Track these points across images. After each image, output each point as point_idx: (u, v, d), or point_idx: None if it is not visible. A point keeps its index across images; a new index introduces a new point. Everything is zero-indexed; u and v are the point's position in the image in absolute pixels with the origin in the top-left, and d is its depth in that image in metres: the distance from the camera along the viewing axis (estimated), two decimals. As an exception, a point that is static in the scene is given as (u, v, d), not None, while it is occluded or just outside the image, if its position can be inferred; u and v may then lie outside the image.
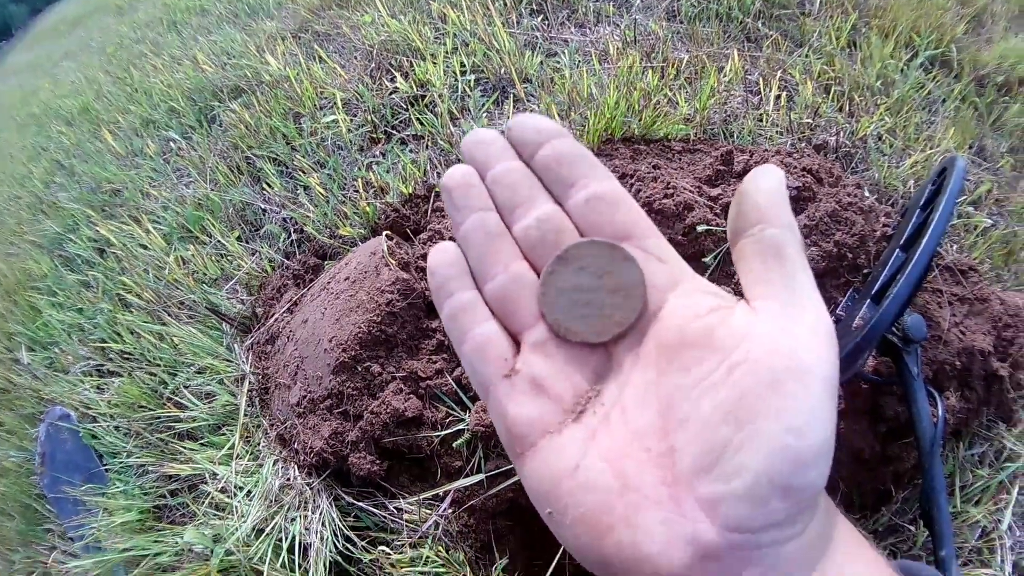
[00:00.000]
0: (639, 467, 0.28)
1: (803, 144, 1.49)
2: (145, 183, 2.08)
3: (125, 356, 1.62)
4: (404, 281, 1.06)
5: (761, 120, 1.52)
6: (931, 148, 1.56)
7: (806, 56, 1.78)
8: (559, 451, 0.30)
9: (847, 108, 1.65)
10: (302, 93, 1.82)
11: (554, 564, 1.01)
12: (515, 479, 1.02)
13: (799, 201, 1.14)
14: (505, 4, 1.90)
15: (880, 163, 1.46)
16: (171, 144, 2.18)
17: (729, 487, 0.25)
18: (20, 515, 1.72)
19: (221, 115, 2.14)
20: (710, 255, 1.10)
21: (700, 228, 1.07)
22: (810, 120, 1.51)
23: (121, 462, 1.49)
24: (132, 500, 1.39)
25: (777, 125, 1.52)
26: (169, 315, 1.50)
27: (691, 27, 1.84)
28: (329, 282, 1.17)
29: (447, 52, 1.73)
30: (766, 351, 0.26)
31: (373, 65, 1.82)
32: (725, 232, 1.10)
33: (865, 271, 1.11)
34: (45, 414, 1.75)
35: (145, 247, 1.72)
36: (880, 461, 1.09)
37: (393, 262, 1.09)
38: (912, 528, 1.11)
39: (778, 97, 1.56)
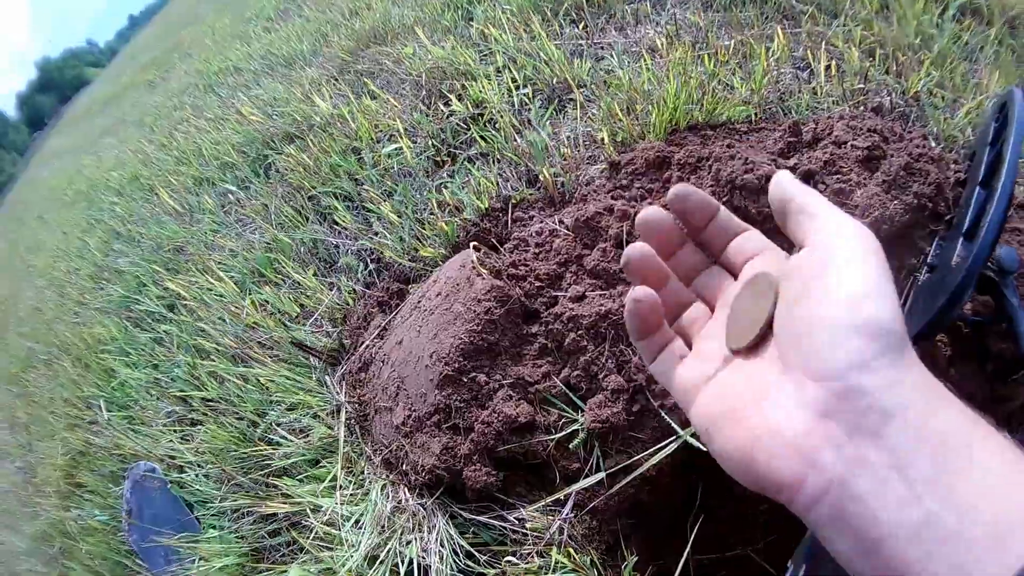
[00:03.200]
0: (760, 369, 0.37)
1: (861, 109, 1.47)
2: (208, 235, 2.12)
3: (208, 403, 1.63)
4: (499, 288, 1.05)
5: (815, 92, 1.49)
6: (981, 94, 1.52)
7: (844, 26, 1.76)
8: (711, 385, 0.40)
9: (893, 69, 1.62)
10: (358, 128, 1.85)
11: (683, 561, 0.97)
12: (636, 474, 0.99)
13: (871, 160, 1.12)
14: (544, 18, 1.92)
15: (936, 116, 1.42)
16: (229, 196, 2.23)
17: (812, 343, 0.32)
18: (110, 572, 1.73)
19: (276, 162, 2.18)
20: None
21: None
22: (861, 85, 1.49)
23: (214, 508, 1.49)
24: (229, 545, 1.38)
25: (831, 95, 1.50)
26: (252, 357, 1.50)
27: (729, 14, 1.83)
28: (420, 301, 1.16)
29: (497, 69, 1.75)
30: (819, 260, 0.35)
31: (424, 92, 1.84)
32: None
33: (947, 217, 1.08)
34: (129, 470, 1.76)
35: (221, 295, 1.74)
36: (992, 402, 1.04)
37: (485, 271, 1.08)
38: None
39: (828, 68, 1.54)
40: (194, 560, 1.46)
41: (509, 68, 1.72)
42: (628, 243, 1.06)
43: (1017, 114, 0.93)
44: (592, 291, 1.05)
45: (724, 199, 1.07)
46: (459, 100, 1.72)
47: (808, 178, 1.10)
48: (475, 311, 1.03)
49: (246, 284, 1.75)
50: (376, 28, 2.50)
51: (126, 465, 1.82)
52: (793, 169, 1.11)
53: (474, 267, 1.08)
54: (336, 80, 2.38)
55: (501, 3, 2.11)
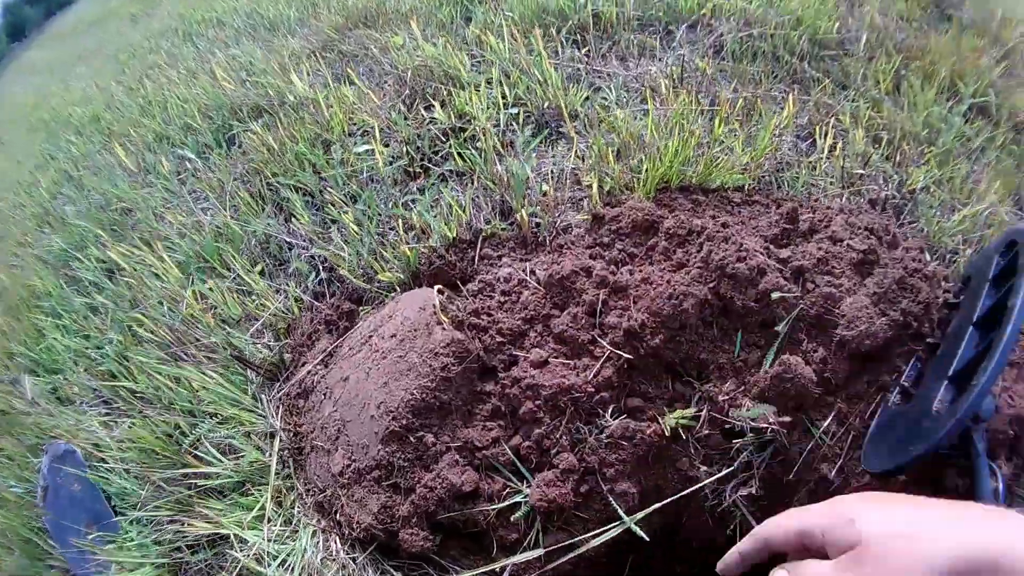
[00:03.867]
0: None
1: (855, 196, 1.43)
2: (159, 204, 1.99)
3: (137, 395, 1.52)
4: (459, 343, 0.98)
5: (814, 168, 1.45)
6: (979, 202, 1.51)
7: (853, 101, 1.72)
8: None
9: (896, 158, 1.59)
10: (331, 118, 1.74)
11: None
12: (575, 553, 0.94)
13: (864, 265, 1.08)
14: (545, 32, 1.82)
15: (930, 217, 1.40)
16: (186, 164, 2.09)
17: None
18: (20, 549, 1.61)
19: (240, 136, 2.06)
20: (781, 323, 1.02)
21: (775, 296, 1.00)
22: (861, 171, 1.45)
23: (133, 503, 1.39)
24: (146, 555, 1.29)
25: (829, 175, 1.45)
26: (186, 356, 1.40)
27: (738, 66, 1.77)
28: (371, 336, 1.08)
29: (488, 81, 1.65)
30: None
31: (407, 91, 1.74)
32: (796, 298, 1.03)
33: (928, 340, 1.04)
34: (48, 446, 1.65)
35: (159, 277, 1.62)
36: None
37: (447, 320, 1.00)
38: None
39: (832, 146, 1.49)
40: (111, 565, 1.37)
41: (501, 82, 1.62)
42: (602, 312, 1.00)
43: None
44: (556, 358, 0.99)
45: (711, 284, 1.01)
46: (442, 107, 1.62)
47: (798, 275, 1.05)
48: (431, 366, 0.95)
49: (189, 268, 1.64)
50: (368, 8, 2.37)
51: (46, 438, 1.71)
52: (785, 262, 1.06)
53: (435, 314, 1.00)
54: (317, 56, 2.25)
55: (504, 8, 2.00)
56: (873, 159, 1.53)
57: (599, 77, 1.69)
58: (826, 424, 1.02)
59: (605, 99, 1.57)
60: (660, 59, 1.81)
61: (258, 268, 1.50)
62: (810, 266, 1.06)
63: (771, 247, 1.10)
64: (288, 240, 1.53)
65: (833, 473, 1.02)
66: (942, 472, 0.99)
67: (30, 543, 1.59)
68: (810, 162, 1.48)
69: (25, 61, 9.82)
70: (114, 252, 1.84)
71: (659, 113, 1.47)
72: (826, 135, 1.49)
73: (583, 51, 1.82)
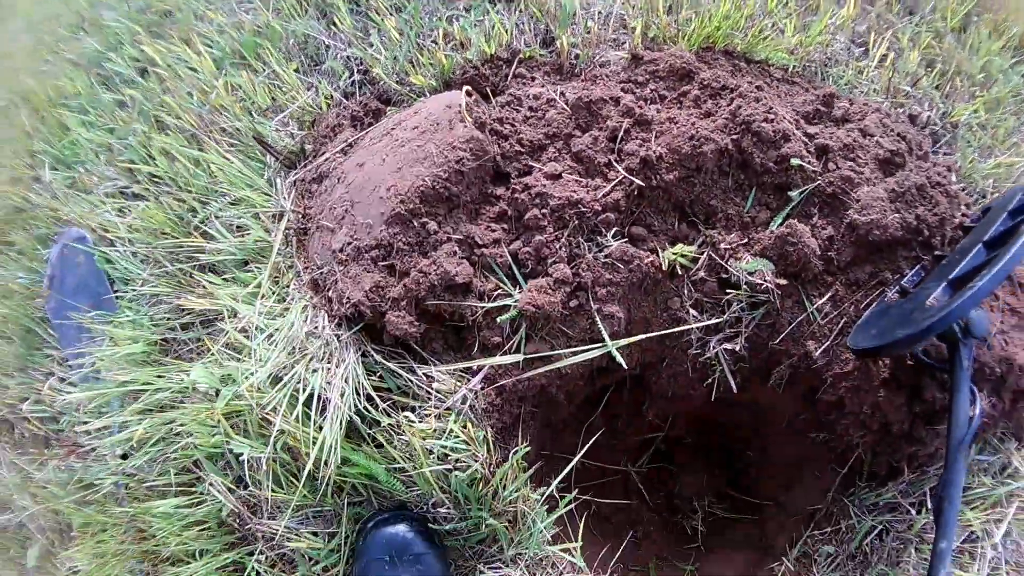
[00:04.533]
0: None
1: (898, 109, 1.39)
2: (201, 5, 1.95)
3: (155, 179, 1.53)
4: (478, 140, 0.97)
5: (861, 73, 1.40)
6: (1016, 155, 1.47)
7: (916, 26, 1.65)
8: None
9: (945, 89, 1.54)
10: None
11: (571, 466, 0.96)
12: (553, 367, 0.96)
13: (889, 164, 1.07)
14: None
15: (967, 153, 1.36)
16: (232, -37, 2.03)
17: None
18: (20, 339, 1.68)
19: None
20: (796, 190, 1.01)
21: (794, 162, 0.98)
22: (908, 88, 1.40)
23: (134, 290, 1.42)
24: (140, 331, 1.32)
25: (875, 83, 1.41)
26: (210, 140, 1.40)
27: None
28: (394, 128, 1.07)
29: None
30: None
31: None
32: (815, 172, 1.01)
33: (936, 252, 1.04)
34: (59, 235, 1.68)
35: (194, 70, 1.60)
36: (905, 439, 1.04)
37: (469, 119, 0.99)
38: (913, 512, 1.11)
39: (884, 57, 1.44)
40: (103, 341, 1.41)
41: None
42: (623, 140, 0.98)
43: None
44: (570, 174, 0.98)
45: (734, 136, 0.99)
46: None
47: (822, 152, 1.03)
48: (447, 157, 0.95)
49: (223, 64, 1.62)
50: None
51: (60, 230, 1.74)
52: (811, 137, 1.03)
53: (460, 112, 0.99)
54: None
55: None
56: (922, 83, 1.48)
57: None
58: (821, 302, 1.02)
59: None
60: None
61: (293, 65, 1.48)
62: (836, 148, 1.04)
63: (801, 121, 1.07)
64: (327, 41, 1.50)
65: (819, 352, 1.03)
66: (921, 381, 1.00)
67: (31, 332, 1.65)
68: (859, 66, 1.43)
69: None
70: (150, 48, 1.82)
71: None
72: (880, 44, 1.44)
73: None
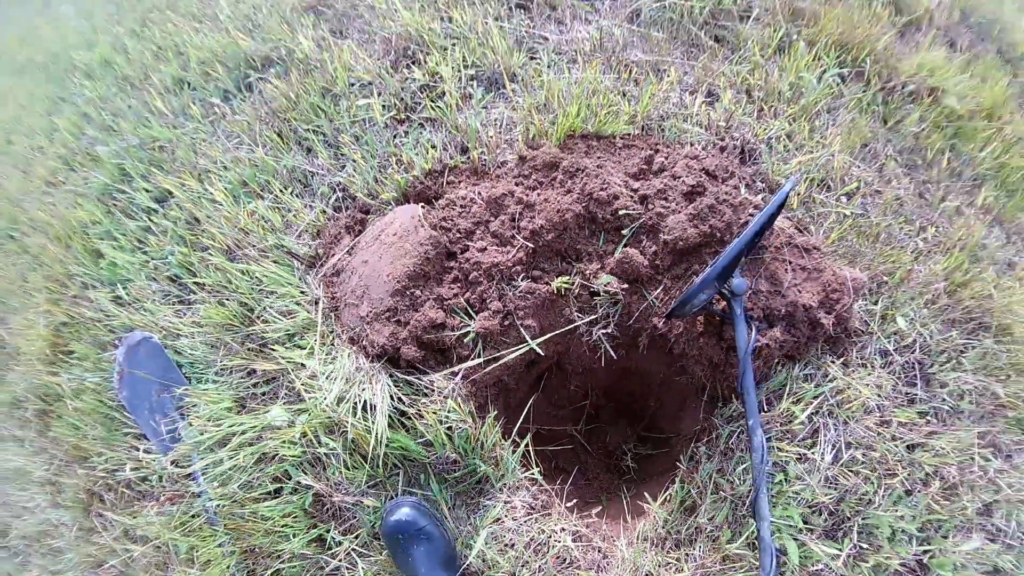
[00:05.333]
0: None
1: (717, 140, 2.31)
2: (198, 143, 2.84)
3: (202, 287, 2.41)
4: (435, 238, 1.88)
5: (687, 120, 2.33)
6: (820, 150, 2.37)
7: (737, 64, 2.57)
8: None
9: (760, 111, 2.46)
10: (335, 75, 2.59)
11: (522, 418, 1.86)
12: (500, 363, 1.86)
13: (692, 195, 1.98)
14: (496, 2, 2.67)
15: (770, 161, 2.28)
16: (215, 109, 2.93)
17: None
18: (103, 425, 2.46)
19: (257, 84, 2.90)
20: (627, 228, 1.93)
21: (621, 212, 1.90)
22: (723, 124, 2.33)
23: (202, 368, 2.28)
24: (221, 393, 2.20)
25: (701, 124, 2.33)
26: (246, 255, 2.30)
27: (647, 30, 2.62)
28: (380, 234, 1.98)
29: (453, 44, 2.51)
30: None
31: (392, 55, 2.59)
32: (639, 214, 1.93)
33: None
34: (123, 338, 2.50)
35: (215, 201, 2.50)
36: (725, 366, 1.95)
37: (427, 225, 1.90)
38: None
39: (707, 101, 2.37)
40: (183, 412, 2.27)
41: (461, 46, 2.49)
42: (519, 219, 1.90)
43: (775, 198, 1.78)
44: (492, 247, 1.90)
45: (584, 204, 1.91)
46: (419, 67, 2.49)
47: (644, 199, 1.95)
48: (419, 251, 1.86)
49: (238, 193, 2.51)
50: None
51: (117, 335, 2.55)
52: (636, 191, 1.95)
53: (420, 221, 1.91)
54: (316, 14, 3.07)
55: None
56: (736, 113, 2.40)
57: (538, 41, 2.55)
58: (655, 293, 1.94)
59: (539, 63, 2.44)
60: (590, 22, 2.66)
61: (290, 190, 2.38)
62: (652, 194, 1.96)
63: (630, 180, 2.00)
64: (312, 170, 2.41)
65: (661, 324, 1.94)
66: (723, 327, 1.91)
67: (110, 419, 2.44)
68: (686, 114, 2.36)
69: None
70: (168, 184, 2.71)
71: (575, 77, 2.34)
72: (697, 95, 2.37)
73: (528, 15, 2.67)
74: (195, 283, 2.42)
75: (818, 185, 2.34)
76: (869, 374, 1.99)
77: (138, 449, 2.32)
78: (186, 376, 2.35)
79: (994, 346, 2.14)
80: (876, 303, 2.12)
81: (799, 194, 2.25)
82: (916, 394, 2.01)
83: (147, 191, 2.90)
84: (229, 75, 3.05)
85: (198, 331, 2.33)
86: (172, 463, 2.22)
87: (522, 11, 2.70)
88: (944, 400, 2.01)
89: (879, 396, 1.96)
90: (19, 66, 5.41)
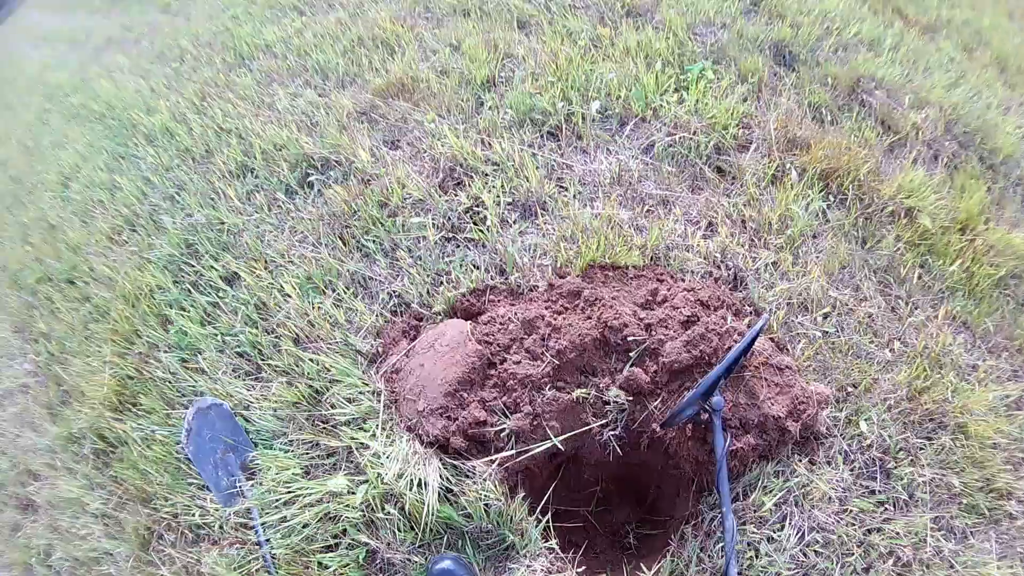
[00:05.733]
0: None
1: (714, 268, 2.96)
2: (265, 233, 3.49)
3: (273, 367, 3.04)
4: (479, 351, 2.53)
5: (689, 250, 2.99)
6: (798, 279, 3.02)
7: (735, 196, 3.25)
8: None
9: (752, 242, 3.12)
10: (391, 190, 3.26)
11: (544, 499, 2.50)
12: (528, 454, 2.50)
13: (688, 323, 2.62)
14: (533, 125, 3.35)
15: (757, 288, 2.94)
16: (280, 203, 3.60)
17: None
18: (168, 473, 3.00)
19: (318, 183, 3.57)
20: (634, 351, 2.58)
21: (629, 338, 2.56)
22: (718, 255, 2.99)
23: (270, 438, 2.89)
24: (289, 461, 2.83)
25: (699, 254, 2.99)
26: (316, 348, 2.94)
27: (660, 163, 3.30)
28: (434, 343, 2.62)
29: (494, 169, 3.19)
30: None
31: (441, 176, 3.26)
32: (644, 339, 2.58)
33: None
34: (194, 401, 3.07)
35: (287, 295, 3.14)
36: (708, 464, 2.58)
37: (473, 340, 2.55)
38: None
39: (705, 235, 3.03)
40: (246, 471, 2.88)
41: (501, 174, 3.17)
42: (548, 339, 2.55)
43: (744, 338, 2.43)
44: (525, 360, 2.54)
45: (600, 329, 2.56)
46: (463, 190, 3.16)
47: (648, 327, 2.60)
48: (467, 362, 2.50)
49: (303, 288, 3.16)
50: (404, 79, 3.89)
51: (186, 397, 3.12)
52: (642, 320, 2.61)
53: (468, 336, 2.55)
54: (369, 121, 3.76)
55: (504, 106, 3.53)
56: (730, 245, 3.07)
57: (565, 171, 3.23)
58: (655, 404, 2.58)
59: (566, 193, 3.11)
60: (611, 152, 3.34)
61: (351, 291, 3.03)
62: (655, 322, 2.61)
63: (638, 310, 2.65)
64: (369, 275, 3.07)
65: (658, 429, 2.59)
66: (707, 433, 2.55)
67: (177, 469, 3.00)
68: (689, 244, 3.02)
69: (31, 22, 11.25)
70: (236, 267, 3.36)
71: (597, 210, 3.01)
72: (700, 227, 3.04)
73: (558, 143, 3.35)
74: (267, 364, 3.04)
75: (798, 308, 2.97)
76: (833, 471, 2.57)
77: (203, 499, 2.86)
78: (252, 441, 2.93)
79: (950, 442, 2.64)
80: (841, 410, 2.71)
81: (779, 318, 2.89)
82: (875, 487, 2.51)
83: (216, 270, 3.51)
84: (291, 171, 3.72)
85: (267, 404, 2.94)
86: (234, 514, 2.77)
87: (552, 139, 3.39)
88: (901, 491, 2.50)
89: (841, 489, 2.50)
90: (74, 111, 6.14)
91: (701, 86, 3.75)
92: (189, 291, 3.57)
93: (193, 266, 3.65)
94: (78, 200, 4.88)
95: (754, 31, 4.42)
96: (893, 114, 4.05)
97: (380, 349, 2.84)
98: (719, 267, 2.99)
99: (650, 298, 2.70)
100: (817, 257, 3.16)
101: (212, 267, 3.55)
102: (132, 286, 3.78)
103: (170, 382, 3.24)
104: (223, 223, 3.71)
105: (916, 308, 3.14)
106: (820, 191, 3.40)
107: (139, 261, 3.94)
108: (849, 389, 2.78)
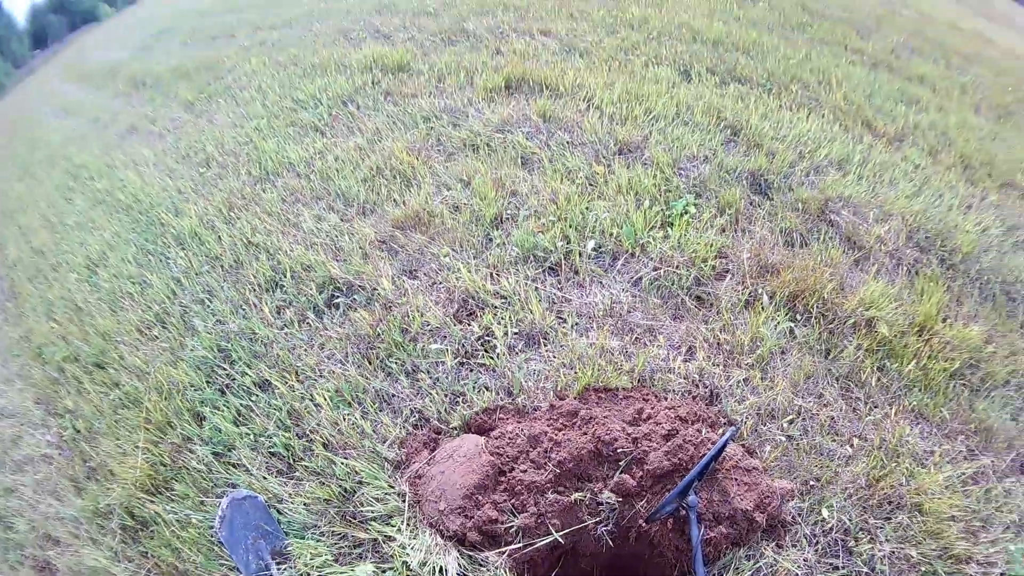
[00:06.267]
0: None
1: (692, 387, 3.77)
2: (295, 347, 4.28)
3: (304, 467, 3.80)
4: (492, 462, 3.31)
5: (671, 371, 3.81)
6: (765, 393, 3.84)
7: (710, 324, 4.08)
8: None
9: (726, 362, 3.95)
10: (411, 318, 4.08)
11: (546, 587, 3.26)
12: (533, 547, 3.27)
13: (668, 437, 3.43)
14: (536, 261, 4.21)
15: (730, 402, 3.74)
16: (309, 321, 4.40)
17: None
18: (201, 554, 3.66)
19: (344, 304, 4.38)
20: (623, 461, 3.38)
21: (619, 450, 3.36)
22: (697, 375, 3.80)
23: (301, 529, 3.64)
24: (320, 550, 3.57)
25: (680, 375, 3.81)
26: (346, 455, 3.71)
27: (646, 295, 4.15)
28: (453, 454, 3.40)
29: (503, 301, 4.03)
30: None
31: (455, 306, 4.10)
32: (631, 451, 3.38)
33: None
34: (229, 491, 3.81)
35: (318, 405, 3.92)
36: (687, 552, 3.35)
37: (487, 452, 3.34)
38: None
39: (685, 359, 3.86)
40: (276, 557, 3.61)
41: (510, 306, 4.00)
42: (550, 451, 3.36)
43: (714, 447, 3.24)
44: (531, 469, 3.33)
45: (594, 443, 3.36)
46: (475, 321, 3.99)
47: (635, 440, 3.40)
48: (481, 470, 3.29)
49: (333, 400, 3.95)
50: (421, 213, 4.76)
51: (219, 487, 3.79)
52: (630, 435, 3.41)
53: (482, 449, 3.34)
54: (389, 251, 4.61)
55: (511, 243, 4.40)
56: (707, 367, 3.88)
57: (564, 304, 4.07)
58: (641, 503, 3.37)
59: (565, 323, 3.95)
60: (604, 285, 4.19)
61: (375, 405, 3.82)
62: (641, 436, 3.42)
63: (626, 426, 3.45)
64: (393, 393, 3.86)
65: (644, 524, 3.37)
66: (684, 527, 3.34)
67: (210, 550, 3.69)
68: (669, 368, 3.84)
69: (52, 91, 12.44)
70: (269, 375, 4.14)
71: (592, 340, 3.84)
72: (680, 351, 3.87)
73: (558, 278, 4.20)
74: (300, 465, 3.79)
75: (766, 417, 3.74)
76: (798, 552, 3.23)
77: (232, 580, 3.58)
78: (284, 531, 3.65)
79: (907, 520, 3.18)
80: (805, 500, 3.41)
81: (749, 427, 3.67)
82: (838, 563, 3.08)
83: (249, 376, 4.22)
84: (319, 292, 4.53)
85: (300, 499, 3.66)
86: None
87: (553, 274, 4.25)
88: (862, 565, 3.06)
89: (806, 567, 3.06)
90: (99, 196, 6.99)
91: (684, 221, 4.65)
92: (222, 392, 4.27)
93: (226, 370, 4.36)
94: (106, 288, 5.60)
95: (733, 162, 5.37)
96: (859, 230, 4.95)
97: (404, 457, 3.61)
98: (697, 385, 3.78)
99: (637, 416, 3.50)
100: (784, 371, 3.94)
101: (245, 373, 4.26)
102: (165, 380, 4.45)
103: (204, 473, 3.89)
104: (255, 333, 4.48)
105: (875, 407, 3.80)
106: (787, 313, 4.22)
107: (171, 358, 4.63)
108: (812, 483, 3.45)
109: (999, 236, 5.45)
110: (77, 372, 5.09)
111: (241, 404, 4.15)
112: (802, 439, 3.66)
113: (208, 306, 4.87)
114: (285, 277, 4.73)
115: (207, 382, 4.37)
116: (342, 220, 5.07)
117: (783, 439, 3.65)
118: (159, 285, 5.23)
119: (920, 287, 4.63)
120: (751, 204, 5.07)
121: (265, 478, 3.74)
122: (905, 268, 4.82)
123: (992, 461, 3.67)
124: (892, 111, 7.09)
